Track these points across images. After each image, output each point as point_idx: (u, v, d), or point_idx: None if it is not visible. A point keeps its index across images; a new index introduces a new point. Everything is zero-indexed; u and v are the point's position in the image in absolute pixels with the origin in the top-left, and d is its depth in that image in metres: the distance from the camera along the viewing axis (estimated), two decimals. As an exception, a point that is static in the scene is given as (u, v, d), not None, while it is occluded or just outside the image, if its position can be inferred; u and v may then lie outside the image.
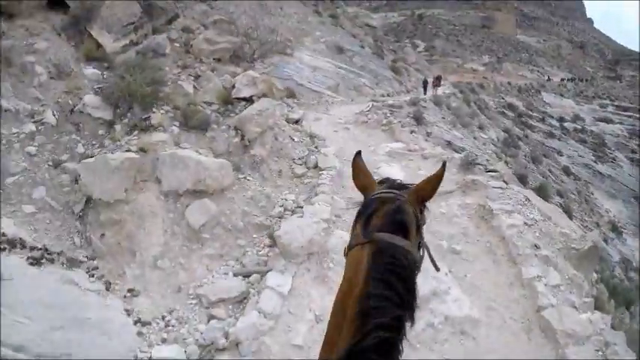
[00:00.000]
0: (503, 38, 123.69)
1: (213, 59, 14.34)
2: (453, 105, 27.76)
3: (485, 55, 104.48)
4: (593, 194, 48.10)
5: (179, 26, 14.70)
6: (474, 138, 24.47)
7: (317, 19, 32.37)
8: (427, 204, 1.75)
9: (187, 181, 7.59)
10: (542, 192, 24.57)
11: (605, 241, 34.67)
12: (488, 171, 11.51)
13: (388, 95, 25.35)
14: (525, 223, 8.27)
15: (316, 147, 10.95)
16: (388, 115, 17.10)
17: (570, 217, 27.65)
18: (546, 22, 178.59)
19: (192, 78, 12.01)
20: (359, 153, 1.85)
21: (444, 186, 9.92)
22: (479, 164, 11.78)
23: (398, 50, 48.39)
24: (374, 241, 1.43)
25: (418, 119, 17.94)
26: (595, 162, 58.68)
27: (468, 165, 11.26)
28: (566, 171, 46.15)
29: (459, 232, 8.29)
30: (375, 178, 1.84)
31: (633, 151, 70.86)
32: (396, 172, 10.31)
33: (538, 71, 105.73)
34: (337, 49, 27.68)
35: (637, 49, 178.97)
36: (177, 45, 13.69)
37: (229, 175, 8.24)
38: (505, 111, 55.68)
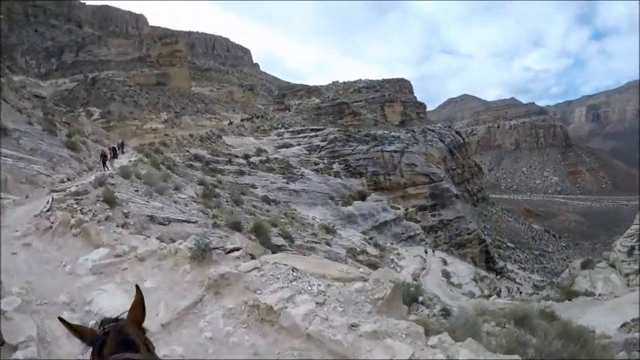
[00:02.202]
0: (179, 93, 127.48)
1: None
2: (143, 172, 26.59)
3: (164, 112, 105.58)
4: (296, 210, 53.41)
5: None
6: (175, 202, 23.87)
7: (-24, 91, 27.43)
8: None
9: None
10: (259, 231, 25.65)
11: (328, 244, 38.50)
12: (230, 251, 9.55)
13: (69, 179, 22.47)
14: (317, 303, 6.79)
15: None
16: (74, 206, 14.83)
17: (292, 240, 29.80)
18: (218, 71, 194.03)
19: None
20: (61, 320, 1.89)
21: (185, 298, 7.54)
22: (215, 248, 9.56)
23: (72, 121, 44.50)
24: None
25: (110, 201, 16.35)
26: (287, 183, 65.73)
27: (203, 254, 8.74)
28: (266, 200, 50.03)
29: (251, 356, 6.06)
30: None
31: (315, 163, 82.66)
32: (115, 298, 7.54)
33: (216, 118, 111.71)
34: (1, 130, 23.67)
35: (299, 82, 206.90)
36: None
37: None
38: (193, 163, 57.10)
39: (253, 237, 23.38)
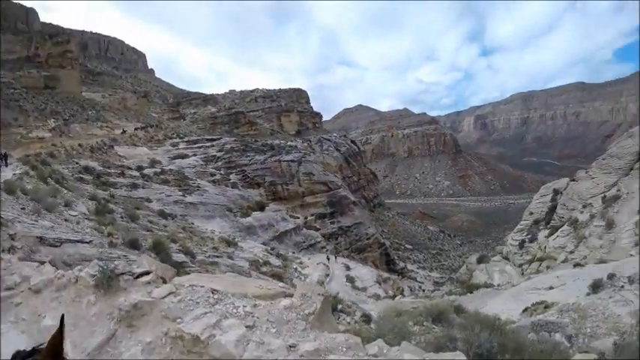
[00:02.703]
0: (68, 98, 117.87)
1: None
2: (29, 188, 24.38)
3: (51, 119, 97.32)
4: (194, 224, 51.62)
5: None
6: (66, 220, 22.10)
7: None
8: None
9: None
10: (159, 248, 24.29)
11: (231, 257, 37.45)
12: (139, 276, 8.43)
13: (-57, 196, 20.00)
14: (248, 326, 6.08)
15: None
16: (-49, 227, 13.29)
17: (193, 256, 28.40)
18: (111, 76, 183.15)
19: None
20: None
21: (94, 334, 6.55)
22: (122, 273, 8.27)
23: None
24: None
25: (-7, 221, 14.73)
26: (183, 196, 63.44)
27: (109, 281, 7.67)
28: (163, 214, 47.71)
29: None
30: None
31: (212, 174, 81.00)
32: (10, 341, 6.50)
33: (108, 127, 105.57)
34: None
35: (194, 90, 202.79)
36: None
37: None
38: (83, 176, 53.36)
39: (153, 255, 22.12)
